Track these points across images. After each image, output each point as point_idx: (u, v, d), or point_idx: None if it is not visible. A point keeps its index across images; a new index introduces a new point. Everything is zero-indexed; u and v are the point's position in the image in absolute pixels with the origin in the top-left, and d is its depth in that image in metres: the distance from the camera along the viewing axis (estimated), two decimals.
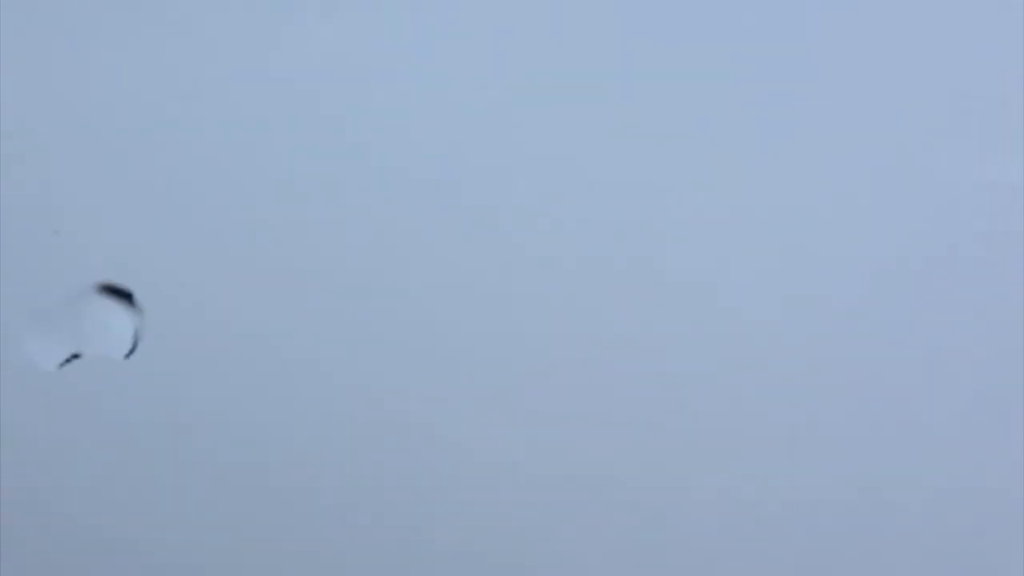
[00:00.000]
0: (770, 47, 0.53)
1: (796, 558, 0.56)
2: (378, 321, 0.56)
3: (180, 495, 0.58)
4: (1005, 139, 0.53)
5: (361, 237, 0.56)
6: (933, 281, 0.53)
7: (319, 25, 0.54)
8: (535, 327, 0.55)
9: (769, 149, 0.54)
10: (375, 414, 0.56)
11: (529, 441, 0.56)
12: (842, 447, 0.55)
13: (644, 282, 0.55)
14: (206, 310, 0.56)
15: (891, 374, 0.54)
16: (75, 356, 0.57)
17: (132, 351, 0.56)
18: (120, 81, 0.55)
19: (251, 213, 0.55)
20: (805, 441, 0.55)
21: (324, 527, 0.58)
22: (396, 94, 0.55)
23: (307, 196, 0.55)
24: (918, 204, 0.53)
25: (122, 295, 0.56)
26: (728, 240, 0.54)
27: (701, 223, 0.54)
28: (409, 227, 0.55)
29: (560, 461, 0.56)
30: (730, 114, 0.53)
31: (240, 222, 0.55)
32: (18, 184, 0.56)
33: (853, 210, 0.54)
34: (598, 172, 0.54)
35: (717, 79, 0.53)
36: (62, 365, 0.57)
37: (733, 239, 0.54)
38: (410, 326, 0.56)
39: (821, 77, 0.53)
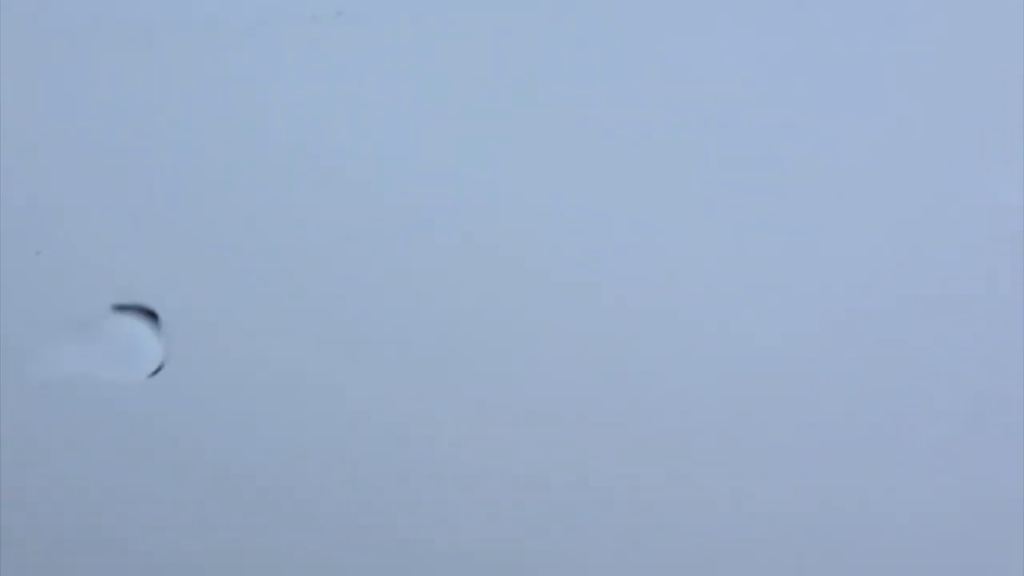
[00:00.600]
0: (773, 56, 0.53)
1: (796, 559, 0.55)
2: (378, 332, 0.57)
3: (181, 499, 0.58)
4: (1006, 159, 0.52)
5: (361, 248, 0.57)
6: (932, 296, 0.54)
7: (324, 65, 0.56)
8: (539, 341, 0.56)
9: (771, 164, 0.54)
10: (379, 425, 0.57)
11: (536, 452, 0.56)
12: (840, 454, 0.55)
13: (643, 290, 0.55)
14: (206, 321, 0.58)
15: (892, 387, 0.54)
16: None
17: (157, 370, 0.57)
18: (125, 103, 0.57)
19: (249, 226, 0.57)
20: (803, 449, 0.55)
21: (327, 531, 0.58)
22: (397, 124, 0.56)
23: (307, 214, 0.57)
24: (918, 221, 0.54)
25: (145, 314, 0.57)
26: (730, 253, 0.55)
27: (702, 231, 0.55)
28: (405, 240, 0.56)
29: (556, 465, 0.56)
30: (730, 123, 0.54)
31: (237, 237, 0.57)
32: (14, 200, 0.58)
33: (853, 224, 0.54)
34: (599, 174, 0.55)
35: (718, 86, 0.54)
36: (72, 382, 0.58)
37: (735, 252, 0.55)
38: (408, 337, 0.57)
39: (825, 95, 0.54)
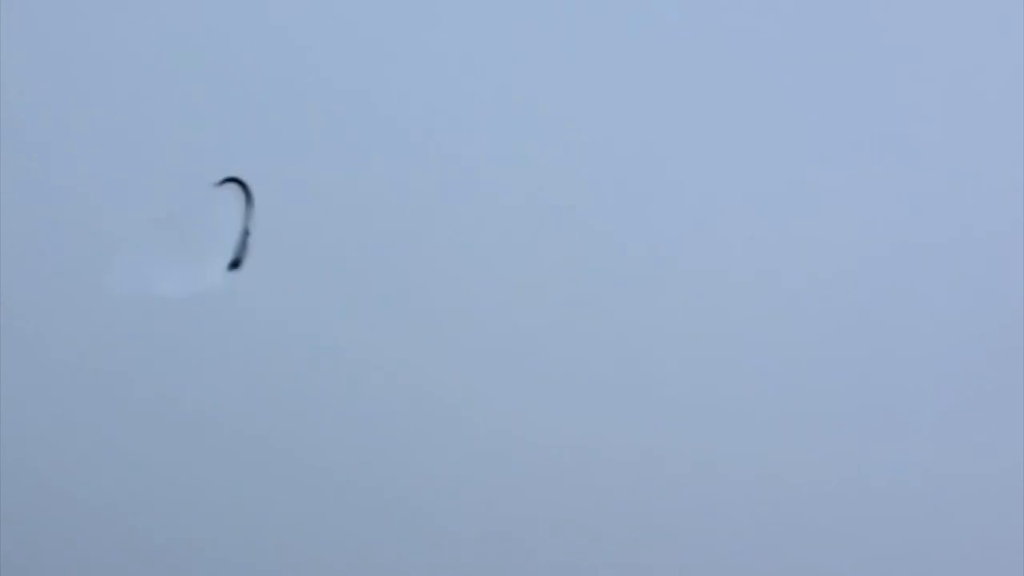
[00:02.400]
0: (771, 46, 0.53)
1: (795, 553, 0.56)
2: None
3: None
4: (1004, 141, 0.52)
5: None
6: (933, 279, 0.53)
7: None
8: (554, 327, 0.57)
9: (769, 149, 0.53)
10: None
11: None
12: (839, 444, 0.55)
13: (646, 275, 0.55)
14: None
15: (890, 372, 0.54)
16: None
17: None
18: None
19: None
20: (802, 437, 0.55)
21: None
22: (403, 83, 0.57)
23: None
24: (918, 203, 0.53)
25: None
26: (729, 236, 0.54)
27: (702, 219, 0.54)
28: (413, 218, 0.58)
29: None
30: (731, 111, 0.53)
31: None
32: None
33: (853, 209, 0.53)
34: (598, 162, 0.55)
35: (718, 74, 0.53)
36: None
37: (734, 235, 0.54)
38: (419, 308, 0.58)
39: (822, 77, 0.53)
